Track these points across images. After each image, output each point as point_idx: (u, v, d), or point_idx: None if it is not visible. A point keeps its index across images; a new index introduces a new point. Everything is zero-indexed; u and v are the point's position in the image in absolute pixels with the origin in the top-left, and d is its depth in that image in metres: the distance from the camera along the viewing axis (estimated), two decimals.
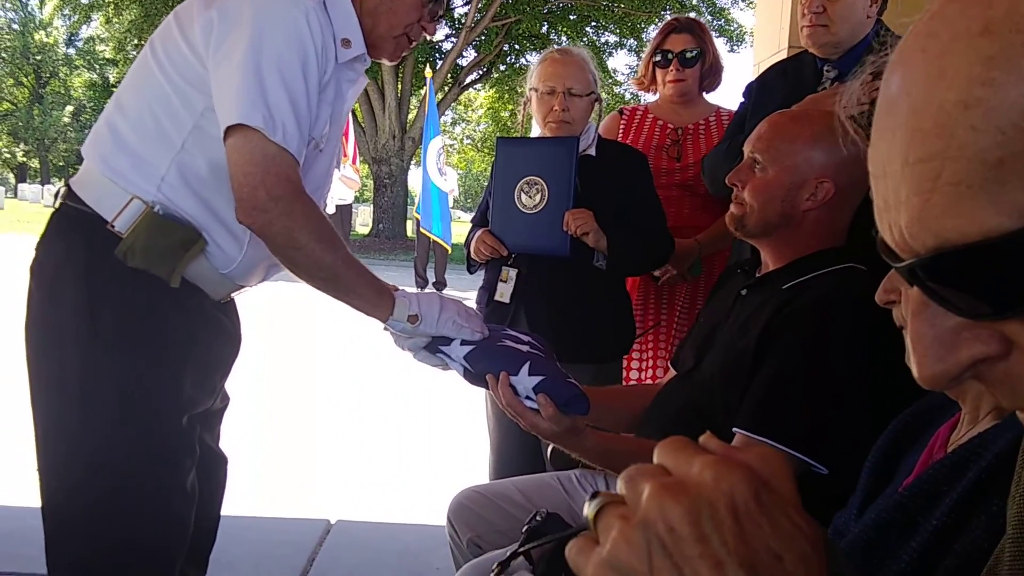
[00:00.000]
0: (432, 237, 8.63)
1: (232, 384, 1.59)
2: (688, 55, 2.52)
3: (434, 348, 1.46)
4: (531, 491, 1.69)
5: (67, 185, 1.39)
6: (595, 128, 2.19)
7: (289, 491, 3.37)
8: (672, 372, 1.74)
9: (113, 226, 1.30)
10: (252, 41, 1.25)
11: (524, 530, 1.03)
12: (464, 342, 1.42)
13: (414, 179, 18.61)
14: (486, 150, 28.29)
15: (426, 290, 10.51)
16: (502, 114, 23.48)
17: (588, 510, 0.44)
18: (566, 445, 1.35)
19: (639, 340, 2.50)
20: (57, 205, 1.38)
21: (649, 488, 0.41)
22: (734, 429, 1.34)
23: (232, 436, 1.61)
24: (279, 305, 8.93)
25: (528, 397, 1.35)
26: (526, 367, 1.35)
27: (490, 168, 2.31)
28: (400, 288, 1.43)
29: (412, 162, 18.09)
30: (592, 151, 2.16)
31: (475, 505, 1.69)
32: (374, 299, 1.36)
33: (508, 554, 1.01)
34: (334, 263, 1.31)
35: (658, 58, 2.56)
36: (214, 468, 1.53)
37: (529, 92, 2.17)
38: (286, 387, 5.22)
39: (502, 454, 2.27)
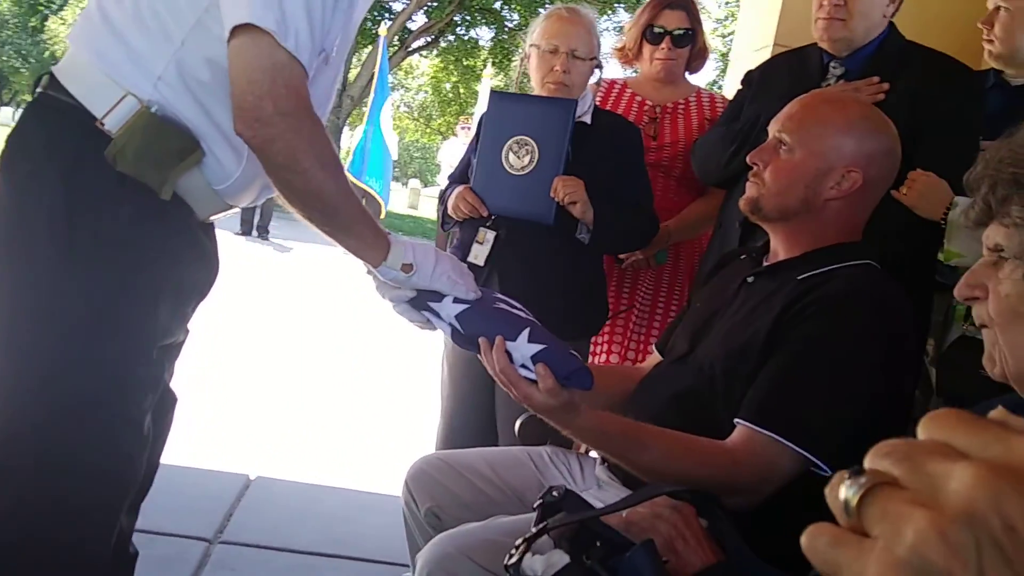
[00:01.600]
0: (368, 190, 8.38)
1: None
2: (679, 34, 2.45)
3: (421, 304, 1.34)
4: (501, 465, 1.59)
5: (49, 73, 1.21)
6: (592, 95, 2.09)
7: (212, 442, 3.17)
8: (655, 356, 1.67)
9: (103, 124, 1.14)
10: None
11: (537, 506, 0.94)
12: (457, 300, 1.30)
13: (347, 139, 18.14)
14: (422, 120, 27.85)
15: None
16: (444, 85, 23.11)
17: (848, 492, 0.34)
18: (558, 422, 1.25)
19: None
20: (36, 95, 1.21)
21: (972, 471, 0.31)
22: (736, 420, 1.27)
23: None
24: (229, 249, 8.53)
25: (524, 366, 1.24)
26: (525, 333, 1.24)
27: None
28: (394, 234, 1.31)
29: (347, 121, 17.62)
30: (587, 119, 2.06)
31: (438, 473, 1.58)
32: (371, 240, 1.24)
33: (533, 530, 0.92)
34: (335, 194, 1.17)
35: (649, 33, 2.48)
36: (165, 408, 1.38)
37: (529, 48, 2.06)
38: (228, 334, 4.96)
39: (453, 423, 2.16)
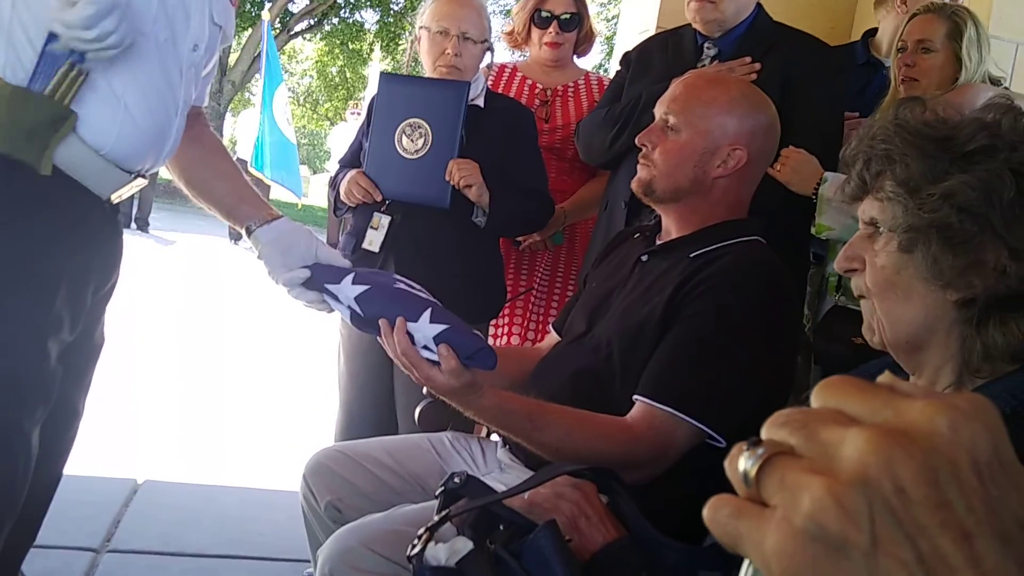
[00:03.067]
0: (278, 185, 8.10)
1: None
2: (566, 18, 2.47)
3: (318, 285, 1.31)
4: (400, 453, 1.56)
5: None
6: (484, 78, 2.08)
7: (93, 447, 3.00)
8: (553, 336, 1.69)
9: None
10: None
11: (438, 493, 0.93)
12: (357, 280, 1.27)
13: (229, 126, 17.46)
14: (308, 105, 27.13)
15: (241, 243, 9.94)
16: (330, 69, 22.55)
17: (746, 463, 0.34)
18: (461, 403, 1.24)
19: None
20: None
21: (864, 436, 0.31)
22: (635, 397, 1.29)
23: None
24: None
25: (426, 347, 1.23)
26: (427, 314, 1.23)
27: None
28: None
29: (228, 108, 16.96)
30: (480, 101, 2.05)
31: (336, 465, 1.55)
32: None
33: (435, 518, 0.91)
34: None
35: (537, 18, 2.49)
36: (64, 423, 1.28)
37: (419, 30, 2.02)
38: (109, 333, 4.69)
39: (353, 412, 2.12)
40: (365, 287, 1.26)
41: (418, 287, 1.34)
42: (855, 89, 2.30)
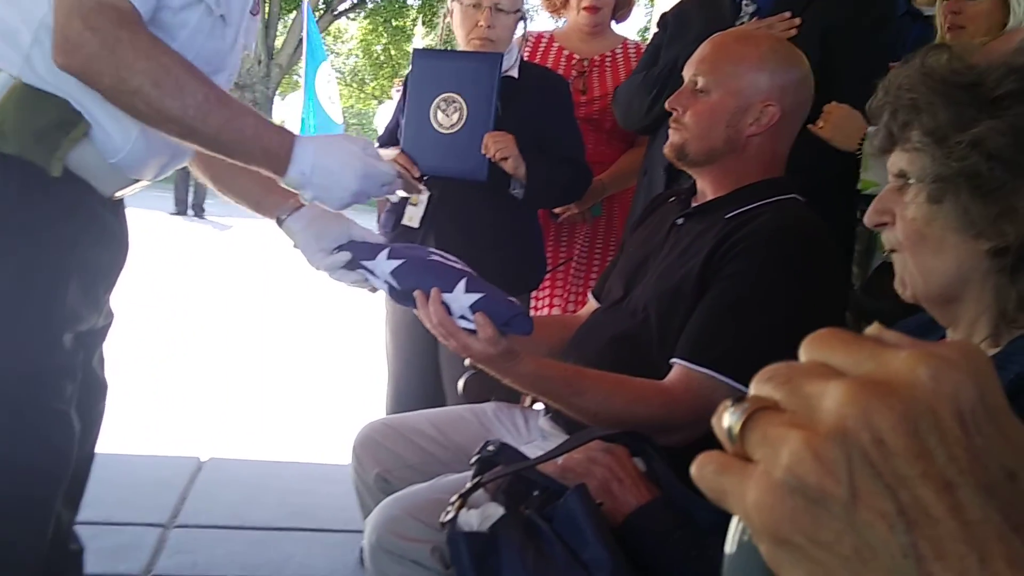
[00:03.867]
0: None
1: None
2: None
3: (355, 264, 1.33)
4: (445, 425, 1.59)
5: None
6: (518, 48, 2.07)
7: (158, 427, 3.12)
8: (592, 304, 1.69)
9: None
10: None
11: (473, 461, 0.94)
12: (392, 255, 1.29)
13: (279, 109, 17.74)
14: (355, 84, 27.32)
15: None
16: (375, 48, 22.65)
17: (731, 419, 0.34)
18: (499, 370, 1.26)
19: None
20: None
21: (843, 388, 0.31)
22: (672, 360, 1.29)
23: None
24: (141, 227, 8.28)
25: (463, 317, 1.24)
26: (462, 284, 1.24)
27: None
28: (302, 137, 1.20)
29: (277, 91, 17.19)
30: (514, 72, 2.03)
31: (383, 439, 1.58)
32: (262, 152, 1.13)
33: (468, 485, 0.93)
34: (183, 111, 1.06)
35: None
36: (94, 396, 1.34)
37: (451, 4, 2.02)
38: (157, 315, 4.84)
39: (400, 386, 2.16)
40: (400, 261, 1.28)
41: (453, 259, 1.36)
42: (897, 40, 2.22)
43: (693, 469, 0.35)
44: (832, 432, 0.31)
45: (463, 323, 1.23)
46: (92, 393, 1.32)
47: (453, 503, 0.87)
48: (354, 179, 1.16)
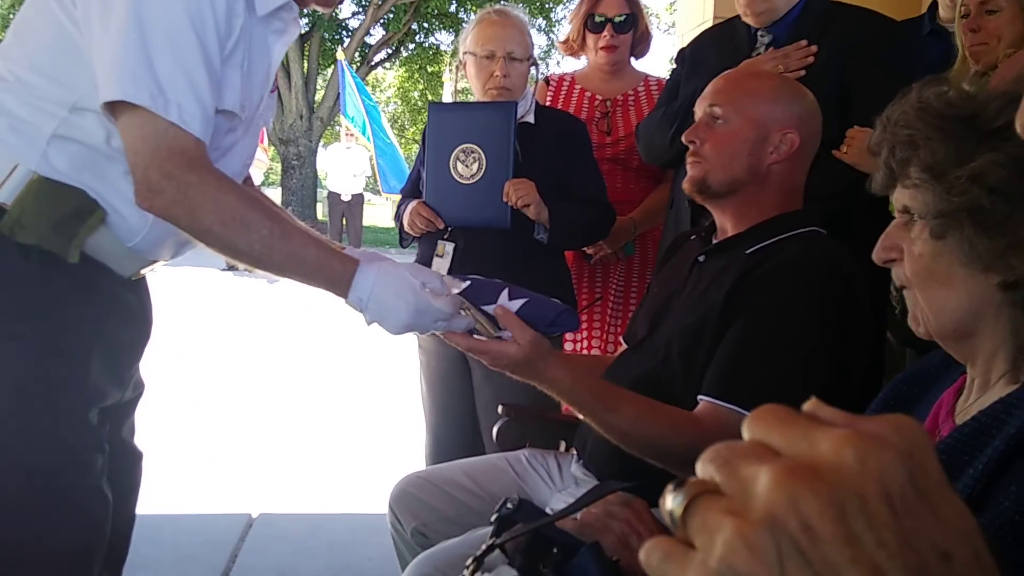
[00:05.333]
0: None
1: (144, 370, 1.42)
2: (620, 20, 2.45)
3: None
4: (479, 474, 1.59)
5: None
6: (532, 93, 2.09)
7: (207, 486, 3.17)
8: (623, 348, 1.68)
9: None
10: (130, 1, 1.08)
11: (493, 519, 0.94)
12: None
13: (322, 159, 18.12)
14: (396, 130, 27.83)
15: None
16: (412, 94, 23.08)
17: (673, 503, 0.34)
18: (534, 374, 1.24)
19: None
20: None
21: (771, 474, 0.31)
22: (699, 397, 1.27)
23: (143, 427, 1.44)
24: (192, 284, 8.54)
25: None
26: (504, 293, 1.25)
27: (421, 137, 2.18)
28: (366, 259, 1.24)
29: (320, 143, 17.58)
30: (530, 118, 2.06)
31: (419, 492, 1.59)
32: (326, 277, 1.19)
33: (483, 548, 0.92)
34: (251, 245, 1.14)
35: (590, 22, 2.48)
36: (128, 465, 1.37)
37: (464, 56, 2.06)
38: (202, 373, 4.95)
39: (439, 436, 2.16)
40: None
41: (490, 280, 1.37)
42: (922, 61, 2.18)
43: (641, 555, 0.35)
44: (762, 520, 0.31)
45: (507, 335, 1.25)
46: (125, 462, 1.36)
47: (468, 567, 0.86)
48: (407, 313, 1.19)
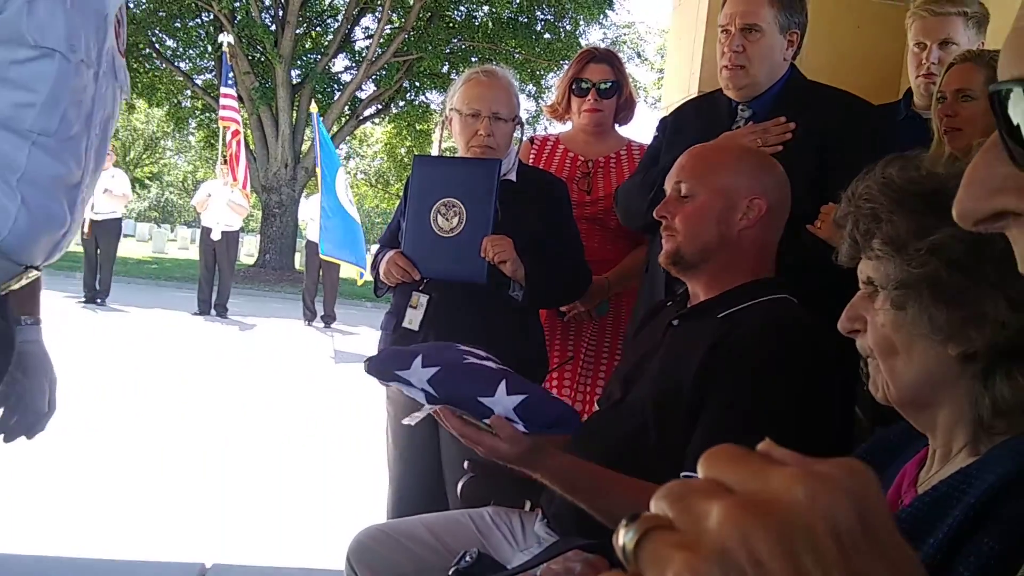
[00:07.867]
0: (348, 265, 8.47)
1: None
2: (606, 86, 2.52)
3: (388, 375, 1.34)
4: (441, 530, 1.57)
5: None
6: (516, 152, 2.13)
7: (161, 532, 3.08)
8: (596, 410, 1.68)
9: None
10: None
11: (451, 573, 0.92)
12: (425, 363, 1.29)
13: (304, 208, 18.20)
14: (380, 186, 28.06)
15: (314, 323, 10.22)
16: (399, 151, 23.33)
17: (625, 538, 0.34)
18: (528, 466, 1.27)
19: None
20: None
21: (722, 509, 0.32)
22: (683, 475, 1.27)
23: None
24: (159, 326, 8.41)
25: (510, 419, 1.25)
26: (502, 386, 1.25)
27: (395, 197, 2.20)
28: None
29: (303, 193, 17.66)
30: (513, 176, 2.09)
31: (378, 545, 1.56)
32: None
33: None
34: None
35: (576, 87, 2.54)
36: None
37: (450, 113, 2.09)
38: (159, 416, 4.85)
39: (402, 489, 2.13)
40: (435, 368, 1.29)
41: (484, 354, 1.37)
42: (896, 146, 2.25)
43: None
44: (712, 554, 0.31)
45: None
46: None
47: None
48: None
